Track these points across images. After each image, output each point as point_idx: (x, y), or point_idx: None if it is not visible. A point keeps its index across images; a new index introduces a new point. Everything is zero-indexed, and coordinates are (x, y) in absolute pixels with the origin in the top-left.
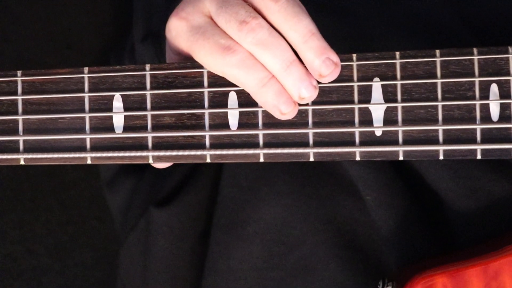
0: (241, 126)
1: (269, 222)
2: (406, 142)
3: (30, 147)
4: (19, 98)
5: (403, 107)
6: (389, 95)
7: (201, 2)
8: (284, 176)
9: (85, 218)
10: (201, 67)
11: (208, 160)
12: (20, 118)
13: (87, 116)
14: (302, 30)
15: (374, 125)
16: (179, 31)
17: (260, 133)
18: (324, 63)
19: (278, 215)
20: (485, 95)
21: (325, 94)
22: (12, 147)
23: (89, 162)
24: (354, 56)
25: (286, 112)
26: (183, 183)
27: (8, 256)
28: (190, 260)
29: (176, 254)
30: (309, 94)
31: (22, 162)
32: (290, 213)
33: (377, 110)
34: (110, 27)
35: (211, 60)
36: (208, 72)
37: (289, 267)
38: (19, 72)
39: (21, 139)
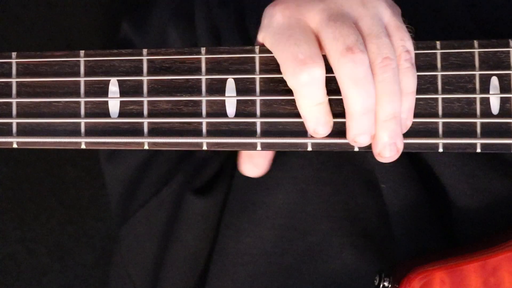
0: (238, 114)
1: (281, 207)
2: (405, 134)
3: (24, 131)
4: (13, 80)
5: None
6: None
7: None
8: (299, 161)
9: (85, 218)
10: (199, 53)
11: (205, 148)
12: (14, 101)
13: (82, 100)
14: (388, 110)
15: None
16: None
17: (258, 121)
18: (390, 147)
19: (291, 200)
20: (485, 88)
21: None
22: (5, 130)
23: (83, 147)
24: None
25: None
26: (220, 172)
27: (8, 256)
28: (211, 248)
29: (205, 242)
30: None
31: (15, 146)
32: (304, 198)
33: None
34: (110, 27)
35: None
36: (206, 58)
37: (300, 253)
38: (13, 54)
39: (14, 122)
